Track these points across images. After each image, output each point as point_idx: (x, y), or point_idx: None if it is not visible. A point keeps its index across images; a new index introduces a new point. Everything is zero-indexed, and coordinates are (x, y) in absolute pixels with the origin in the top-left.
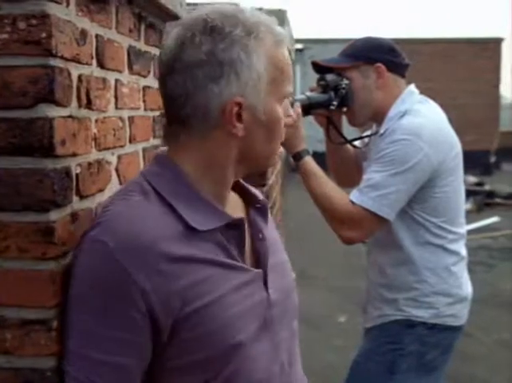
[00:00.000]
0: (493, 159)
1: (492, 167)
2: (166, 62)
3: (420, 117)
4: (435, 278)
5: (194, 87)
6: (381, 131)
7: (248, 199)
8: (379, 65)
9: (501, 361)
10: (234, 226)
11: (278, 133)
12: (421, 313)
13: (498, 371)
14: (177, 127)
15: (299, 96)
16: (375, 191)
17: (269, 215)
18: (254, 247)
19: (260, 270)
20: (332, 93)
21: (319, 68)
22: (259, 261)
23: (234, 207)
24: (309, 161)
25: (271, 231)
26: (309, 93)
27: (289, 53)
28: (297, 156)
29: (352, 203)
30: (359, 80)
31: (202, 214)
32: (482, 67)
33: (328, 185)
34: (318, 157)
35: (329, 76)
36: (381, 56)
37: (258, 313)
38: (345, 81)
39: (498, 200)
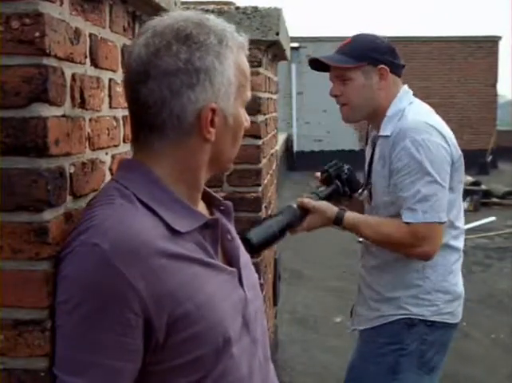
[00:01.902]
0: (489, 158)
1: (489, 167)
2: (138, 69)
3: (422, 116)
4: (437, 276)
5: (171, 94)
6: (385, 132)
7: (210, 202)
8: (383, 66)
9: (498, 361)
10: (209, 226)
11: (241, 137)
12: (422, 311)
13: (495, 371)
14: (149, 133)
15: (309, 195)
16: (425, 203)
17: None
18: (223, 247)
19: (235, 269)
20: (337, 182)
21: (316, 65)
22: (231, 260)
23: (201, 209)
24: (348, 216)
25: (235, 232)
26: (316, 190)
27: (285, 52)
28: (337, 221)
29: (409, 223)
30: (360, 81)
31: (180, 215)
32: (479, 66)
33: (377, 225)
34: (314, 156)
35: (330, 167)
36: (384, 57)
37: (239, 311)
38: (346, 167)
39: (494, 200)
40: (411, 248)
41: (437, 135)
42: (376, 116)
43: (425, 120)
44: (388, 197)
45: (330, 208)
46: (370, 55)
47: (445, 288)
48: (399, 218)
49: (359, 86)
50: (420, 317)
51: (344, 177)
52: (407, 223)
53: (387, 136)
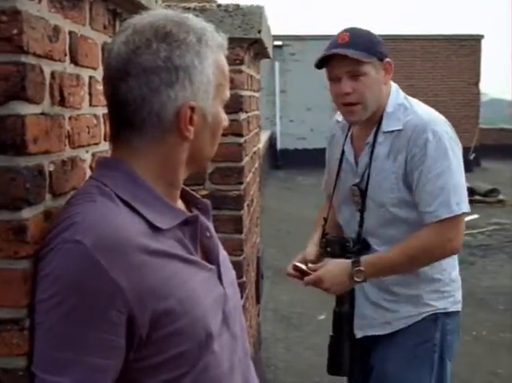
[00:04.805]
0: (472, 156)
1: (472, 165)
2: (117, 67)
3: (431, 110)
4: (450, 266)
5: (150, 92)
6: (391, 127)
7: (189, 200)
8: (388, 60)
9: (480, 359)
10: (189, 223)
11: (219, 135)
12: (444, 305)
13: (477, 368)
14: (128, 131)
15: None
16: (456, 194)
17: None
18: (202, 244)
19: (214, 266)
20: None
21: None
22: (209, 257)
23: (180, 207)
24: (364, 263)
25: (214, 230)
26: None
27: (267, 50)
28: (358, 275)
29: (443, 220)
30: (374, 75)
31: (160, 212)
32: (462, 64)
33: (402, 246)
34: (298, 154)
35: (333, 245)
36: (386, 51)
37: (219, 307)
38: (347, 239)
39: (477, 197)
40: (446, 246)
41: (450, 128)
42: (375, 113)
43: (436, 113)
44: (397, 194)
45: (343, 274)
46: (377, 49)
47: (456, 276)
48: (407, 218)
49: (372, 81)
50: (443, 311)
51: (347, 248)
52: (441, 220)
53: (396, 131)
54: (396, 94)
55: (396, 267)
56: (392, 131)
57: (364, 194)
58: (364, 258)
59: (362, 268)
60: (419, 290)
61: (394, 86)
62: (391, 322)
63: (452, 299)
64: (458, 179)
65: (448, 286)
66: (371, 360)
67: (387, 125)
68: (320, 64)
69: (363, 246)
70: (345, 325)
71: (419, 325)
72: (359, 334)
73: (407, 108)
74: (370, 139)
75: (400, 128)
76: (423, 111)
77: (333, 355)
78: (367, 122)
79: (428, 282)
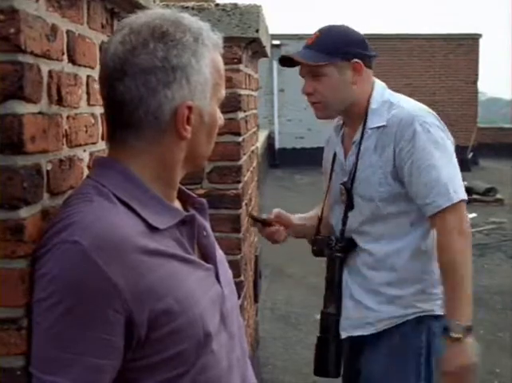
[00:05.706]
0: (470, 155)
1: (470, 164)
2: (114, 66)
3: (418, 104)
4: (437, 267)
5: (147, 92)
6: (376, 123)
7: (185, 199)
8: (357, 61)
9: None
10: (186, 222)
11: (215, 135)
12: (431, 307)
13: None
14: (125, 131)
15: None
16: (452, 183)
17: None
18: (199, 244)
19: (211, 266)
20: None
21: (286, 61)
22: (207, 256)
23: (176, 206)
24: (450, 322)
25: (211, 229)
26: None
27: (265, 49)
28: (456, 331)
29: (445, 210)
30: (335, 77)
31: (157, 212)
32: (460, 63)
33: (445, 274)
34: (296, 153)
35: (318, 243)
36: (356, 51)
37: (217, 306)
38: (331, 238)
39: (475, 196)
40: (456, 235)
41: (439, 121)
42: (351, 111)
43: (424, 107)
44: (386, 187)
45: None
46: (343, 50)
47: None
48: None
49: (334, 82)
50: (430, 313)
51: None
52: (443, 209)
53: (381, 127)
54: (382, 92)
55: (459, 285)
56: (378, 127)
57: (349, 192)
58: (448, 322)
59: (455, 335)
60: (404, 291)
61: (380, 84)
62: (373, 323)
63: (440, 302)
64: (452, 168)
65: (435, 288)
66: (358, 362)
67: (371, 122)
68: (293, 63)
69: (348, 245)
70: (332, 325)
71: (403, 328)
72: (343, 335)
73: (392, 104)
74: (357, 137)
75: (384, 123)
76: (410, 105)
77: (320, 356)
78: (354, 120)
79: (414, 282)
